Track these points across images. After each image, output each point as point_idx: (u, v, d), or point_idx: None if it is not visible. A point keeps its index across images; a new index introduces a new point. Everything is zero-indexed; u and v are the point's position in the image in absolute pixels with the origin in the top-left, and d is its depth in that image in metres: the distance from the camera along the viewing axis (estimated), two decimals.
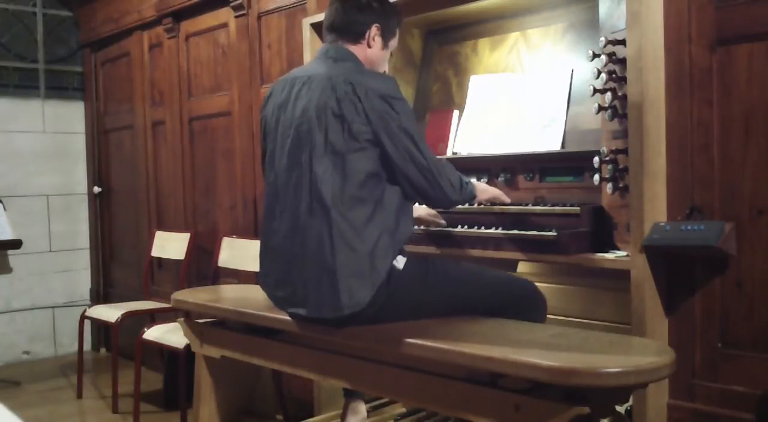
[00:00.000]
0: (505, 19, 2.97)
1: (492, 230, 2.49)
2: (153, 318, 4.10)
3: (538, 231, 2.36)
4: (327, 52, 2.32)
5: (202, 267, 4.27)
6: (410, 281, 2.18)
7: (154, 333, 3.68)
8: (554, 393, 1.77)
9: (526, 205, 2.56)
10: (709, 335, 2.17)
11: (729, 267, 2.12)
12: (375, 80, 2.18)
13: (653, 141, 2.17)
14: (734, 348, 2.13)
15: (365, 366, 2.19)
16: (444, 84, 3.17)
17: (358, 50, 2.31)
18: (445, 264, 2.30)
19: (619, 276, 2.20)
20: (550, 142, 2.66)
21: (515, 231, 2.42)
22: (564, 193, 2.59)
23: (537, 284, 2.42)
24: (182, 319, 2.77)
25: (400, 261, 2.19)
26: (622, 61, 2.23)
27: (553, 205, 2.48)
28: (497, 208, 2.58)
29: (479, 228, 2.55)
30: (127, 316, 3.94)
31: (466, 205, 2.61)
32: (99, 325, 4.98)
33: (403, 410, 2.92)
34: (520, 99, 2.80)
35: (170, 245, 4.33)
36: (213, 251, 4.00)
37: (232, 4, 3.95)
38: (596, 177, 2.28)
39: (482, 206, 2.60)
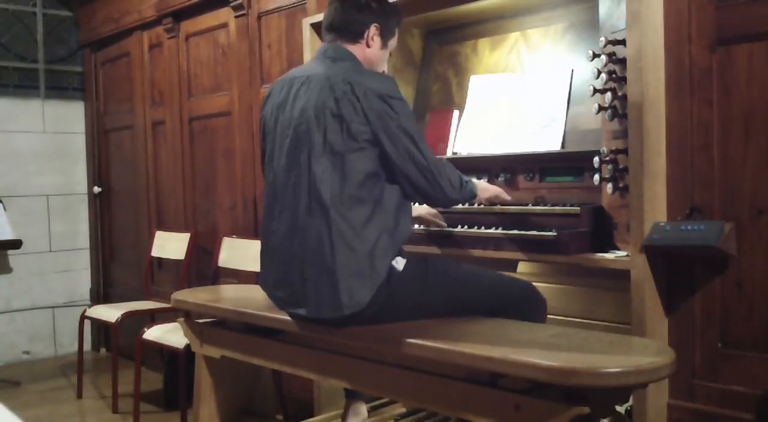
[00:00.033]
0: (505, 19, 2.97)
1: (492, 230, 2.49)
2: (153, 318, 4.10)
3: (538, 231, 2.36)
4: (325, 52, 2.31)
5: (202, 267, 4.27)
6: (410, 281, 2.18)
7: (154, 333, 3.68)
8: (554, 393, 1.77)
9: (526, 204, 2.56)
10: (709, 335, 2.17)
11: (729, 267, 2.12)
12: (374, 80, 2.18)
13: (653, 141, 2.17)
14: (734, 348, 2.13)
15: (365, 366, 2.19)
16: (444, 84, 3.17)
17: (357, 50, 2.31)
18: (445, 264, 2.30)
19: (619, 276, 2.20)
20: (550, 142, 2.66)
21: (515, 231, 2.42)
22: (564, 193, 2.59)
23: (537, 284, 2.42)
24: (182, 319, 2.77)
25: (399, 263, 2.19)
26: (622, 61, 2.23)
27: (553, 205, 2.48)
28: (497, 208, 2.58)
29: (479, 228, 2.55)
30: (127, 316, 3.94)
31: (467, 205, 2.61)
32: (99, 325, 4.98)
33: (403, 410, 2.92)
34: (520, 99, 2.80)
35: (170, 245, 4.33)
36: (213, 251, 3.99)
37: (232, 4, 3.95)
38: (596, 177, 2.28)
39: (482, 206, 2.60)
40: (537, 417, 1.76)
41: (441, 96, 3.18)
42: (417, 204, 2.56)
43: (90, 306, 4.79)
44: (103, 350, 5.41)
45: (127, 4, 4.85)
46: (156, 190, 4.75)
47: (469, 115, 2.97)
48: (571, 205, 2.41)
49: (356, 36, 2.31)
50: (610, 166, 2.25)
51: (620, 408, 2.26)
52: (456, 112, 3.03)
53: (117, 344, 3.96)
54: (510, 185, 2.74)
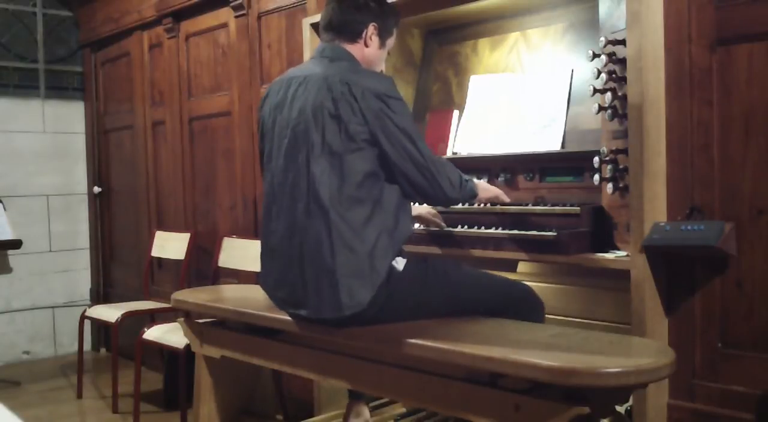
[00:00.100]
0: (505, 19, 2.97)
1: (492, 230, 2.49)
2: (153, 318, 4.10)
3: (538, 231, 2.36)
4: (323, 52, 2.31)
5: (202, 267, 4.27)
6: (410, 282, 2.18)
7: (154, 333, 3.68)
8: (554, 393, 1.77)
9: (526, 205, 2.56)
10: (709, 335, 2.17)
11: (729, 267, 2.12)
12: (371, 79, 2.18)
13: (653, 141, 2.17)
14: (734, 348, 2.13)
15: (365, 366, 2.19)
16: (444, 84, 3.17)
17: (355, 50, 2.31)
18: (445, 265, 2.30)
19: (619, 276, 2.20)
20: (550, 142, 2.66)
21: (515, 231, 2.42)
22: (564, 193, 2.59)
23: (537, 284, 2.42)
24: (182, 319, 2.77)
25: (399, 263, 2.18)
26: (622, 61, 2.23)
27: (553, 205, 2.48)
28: (497, 207, 2.57)
29: (479, 228, 2.54)
30: (127, 316, 3.94)
31: (467, 205, 2.61)
32: (99, 325, 4.98)
33: (403, 410, 2.92)
34: (520, 99, 2.80)
35: (170, 245, 4.33)
36: (213, 251, 4.00)
37: (232, 4, 3.95)
38: (596, 177, 2.28)
39: (482, 206, 2.60)
40: (537, 417, 1.76)
41: (441, 96, 3.17)
42: (417, 203, 2.56)
43: (90, 306, 4.79)
44: (103, 350, 5.41)
45: (127, 4, 4.85)
46: (156, 190, 4.75)
47: (469, 115, 2.97)
48: (571, 205, 2.41)
49: (354, 36, 2.31)
50: (610, 166, 2.25)
51: (620, 408, 2.26)
52: (456, 112, 3.03)
53: (117, 344, 3.96)
54: (510, 185, 2.74)
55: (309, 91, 2.21)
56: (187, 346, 3.00)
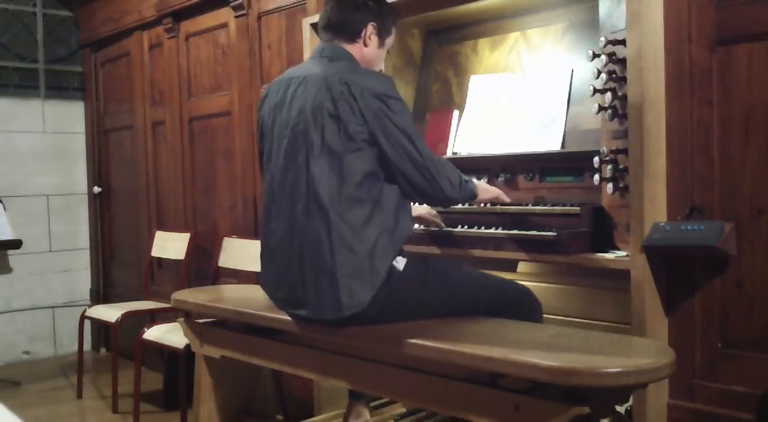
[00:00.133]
0: (505, 19, 2.97)
1: (492, 230, 2.49)
2: (153, 318, 4.10)
3: (538, 231, 2.36)
4: (322, 52, 2.31)
5: (202, 267, 4.27)
6: (410, 282, 2.18)
7: (154, 333, 3.68)
8: (554, 393, 1.77)
9: (526, 205, 2.56)
10: (709, 335, 2.17)
11: (729, 267, 2.12)
12: (370, 79, 2.17)
13: (653, 141, 2.17)
14: (734, 348, 2.13)
15: (365, 366, 2.19)
16: (444, 84, 3.17)
17: (354, 49, 2.31)
18: (444, 265, 2.30)
19: (619, 276, 2.20)
20: (550, 142, 2.66)
21: (515, 231, 2.42)
22: (564, 193, 2.59)
23: (537, 284, 2.42)
24: (182, 319, 2.77)
25: (400, 263, 2.18)
26: (622, 61, 2.23)
27: (553, 205, 2.48)
28: (497, 207, 2.57)
29: (479, 228, 2.54)
30: (127, 316, 3.94)
31: (467, 205, 2.61)
32: (99, 325, 4.98)
33: (403, 410, 2.92)
34: (520, 99, 2.80)
35: (170, 245, 4.33)
36: (213, 251, 4.00)
37: (232, 4, 3.95)
38: (596, 177, 2.28)
39: (482, 206, 2.60)
40: (537, 417, 1.76)
41: (441, 96, 3.17)
42: (417, 203, 2.56)
43: (90, 306, 4.79)
44: (103, 350, 5.41)
45: (127, 4, 4.85)
46: (156, 190, 4.75)
47: (469, 115, 2.97)
48: (571, 205, 2.41)
49: (353, 35, 2.31)
50: (610, 166, 2.25)
51: (620, 408, 2.26)
52: (456, 112, 3.03)
53: (117, 344, 3.96)
54: (510, 185, 2.74)
55: (308, 91, 2.21)
56: (187, 346, 3.00)
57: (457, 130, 3.01)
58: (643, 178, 2.14)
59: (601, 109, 2.28)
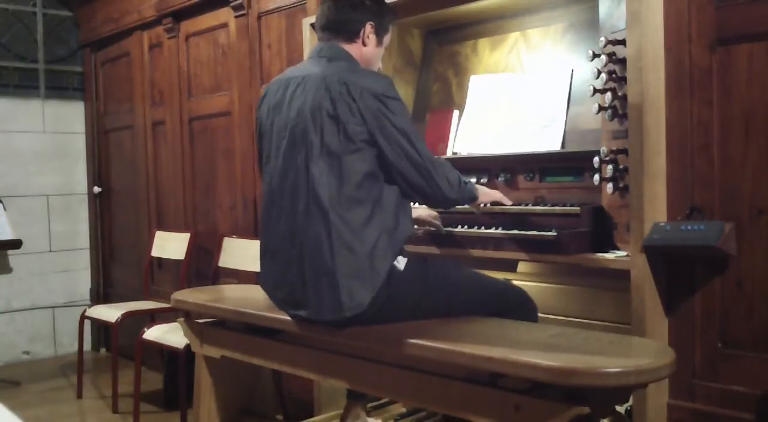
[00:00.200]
0: (505, 19, 2.97)
1: (492, 230, 2.49)
2: (153, 318, 4.10)
3: (538, 231, 2.36)
4: (321, 52, 2.30)
5: (202, 267, 4.27)
6: (410, 282, 2.18)
7: (154, 333, 3.68)
8: (554, 393, 1.77)
9: (526, 205, 2.56)
10: (709, 335, 2.17)
11: (729, 267, 2.12)
12: (369, 79, 2.17)
13: (653, 141, 2.17)
14: (734, 348, 2.13)
15: (365, 366, 2.19)
16: (444, 84, 3.17)
17: (353, 49, 2.30)
18: (444, 266, 2.30)
19: (619, 276, 2.20)
20: (550, 142, 2.66)
21: (515, 231, 2.42)
22: (564, 193, 2.59)
23: (537, 284, 2.42)
24: (182, 319, 2.77)
25: (401, 262, 2.18)
26: (622, 61, 2.23)
27: (553, 205, 2.48)
28: (497, 208, 2.57)
29: (479, 228, 2.54)
30: (127, 316, 3.94)
31: (466, 206, 2.61)
32: (99, 325, 4.98)
33: (403, 410, 2.92)
34: (520, 99, 2.80)
35: (170, 245, 4.33)
36: (213, 251, 4.00)
37: (232, 4, 3.95)
38: (596, 177, 2.28)
39: (483, 206, 2.59)
40: (537, 417, 1.76)
41: (441, 96, 3.17)
42: (417, 204, 2.56)
43: (90, 306, 4.79)
44: (103, 350, 5.41)
45: (127, 4, 4.85)
46: (156, 190, 4.75)
47: (469, 115, 2.97)
48: (571, 205, 2.41)
49: (352, 35, 2.30)
50: (610, 166, 2.25)
51: (620, 408, 2.26)
52: (456, 112, 3.03)
53: (117, 344, 3.96)
54: (510, 185, 2.74)
55: (307, 92, 2.20)
56: (187, 346, 3.00)
57: (457, 130, 3.01)
58: (643, 178, 2.14)
59: (601, 109, 2.28)
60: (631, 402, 2.21)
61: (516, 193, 2.70)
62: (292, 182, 2.21)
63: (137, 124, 4.90)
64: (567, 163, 2.59)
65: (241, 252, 3.75)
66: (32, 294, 5.16)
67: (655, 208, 2.18)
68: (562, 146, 2.64)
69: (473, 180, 2.68)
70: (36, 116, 5.23)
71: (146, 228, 4.80)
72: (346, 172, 2.12)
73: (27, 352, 5.16)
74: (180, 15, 4.40)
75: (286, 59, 3.66)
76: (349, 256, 2.10)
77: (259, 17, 3.83)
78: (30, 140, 5.18)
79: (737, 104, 2.09)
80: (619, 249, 2.26)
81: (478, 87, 2.96)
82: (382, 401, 2.94)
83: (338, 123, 2.13)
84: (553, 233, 2.30)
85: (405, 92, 3.18)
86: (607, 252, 2.26)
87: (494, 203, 2.55)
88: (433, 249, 2.67)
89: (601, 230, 2.31)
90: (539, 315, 2.39)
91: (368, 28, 2.31)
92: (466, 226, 2.59)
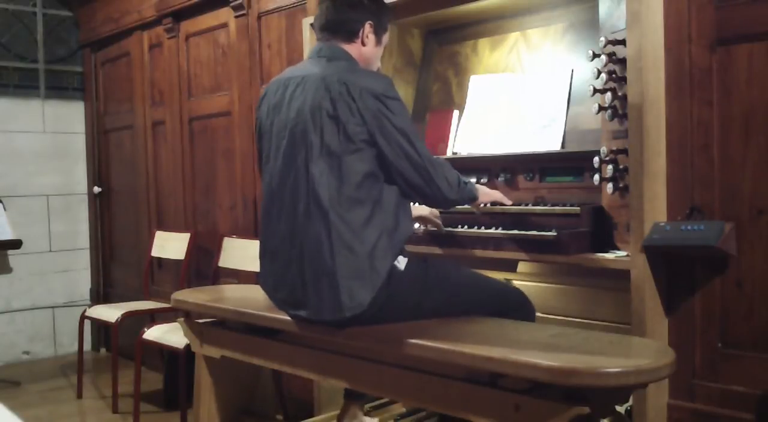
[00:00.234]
0: (505, 19, 2.97)
1: (492, 230, 2.49)
2: (153, 318, 4.10)
3: (538, 231, 2.36)
4: (320, 52, 2.30)
5: (202, 267, 4.27)
6: (410, 283, 2.18)
7: (154, 333, 3.68)
8: (554, 393, 1.77)
9: (526, 205, 2.56)
10: (709, 335, 2.17)
11: (729, 267, 2.12)
12: (369, 79, 2.17)
13: (653, 141, 2.17)
14: (734, 348, 2.13)
15: (365, 366, 2.19)
16: (444, 84, 3.17)
17: (352, 49, 2.30)
18: (444, 266, 2.30)
19: (619, 276, 2.20)
20: (550, 142, 2.66)
21: (515, 231, 2.42)
22: (564, 193, 2.59)
23: (537, 284, 2.42)
24: (182, 319, 2.77)
25: (401, 262, 2.18)
26: (622, 61, 2.23)
27: (553, 205, 2.48)
28: (498, 208, 2.57)
29: (479, 228, 2.54)
30: (127, 316, 3.94)
31: (466, 206, 2.61)
32: (99, 325, 4.98)
33: (403, 410, 2.92)
34: (520, 99, 2.80)
35: (170, 245, 4.33)
36: (213, 251, 4.00)
37: (232, 4, 3.95)
38: (596, 177, 2.28)
39: (483, 206, 2.59)
40: (537, 417, 1.76)
41: (441, 96, 3.17)
42: (417, 204, 2.56)
43: (90, 306, 4.79)
44: (103, 350, 5.41)
45: (127, 4, 4.85)
46: (156, 190, 4.75)
47: (469, 115, 2.97)
48: (571, 205, 2.41)
49: (351, 35, 2.30)
50: (610, 166, 2.25)
51: (620, 408, 2.26)
52: (456, 112, 3.03)
53: (117, 344, 3.96)
54: (510, 185, 2.74)
55: (307, 92, 2.20)
56: (187, 346, 3.00)
57: (457, 130, 3.01)
58: (643, 178, 2.14)
59: (601, 109, 2.28)
60: (631, 402, 2.21)
61: (516, 193, 2.70)
62: (292, 182, 2.21)
63: (137, 124, 4.90)
64: (567, 163, 2.59)
65: (241, 252, 3.75)
66: (32, 294, 5.17)
67: (655, 208, 2.18)
68: (562, 146, 2.64)
69: (473, 180, 2.68)
70: (36, 116, 5.23)
71: (146, 228, 4.80)
72: (346, 172, 2.12)
73: (27, 352, 5.16)
74: (180, 15, 4.40)
75: (286, 59, 3.66)
76: (349, 256, 2.10)
77: (259, 17, 3.83)
78: (30, 140, 5.18)
79: (737, 104, 2.09)
80: (619, 249, 2.26)
81: (478, 87, 2.96)
82: (382, 401, 2.94)
83: (338, 123, 2.13)
84: (553, 233, 2.30)
85: (405, 92, 3.18)
86: (607, 252, 2.26)
87: (494, 203, 2.55)
88: (434, 249, 2.67)
89: (601, 230, 2.31)
90: (539, 315, 2.40)
91: (367, 27, 2.31)
92: (466, 226, 2.59)
